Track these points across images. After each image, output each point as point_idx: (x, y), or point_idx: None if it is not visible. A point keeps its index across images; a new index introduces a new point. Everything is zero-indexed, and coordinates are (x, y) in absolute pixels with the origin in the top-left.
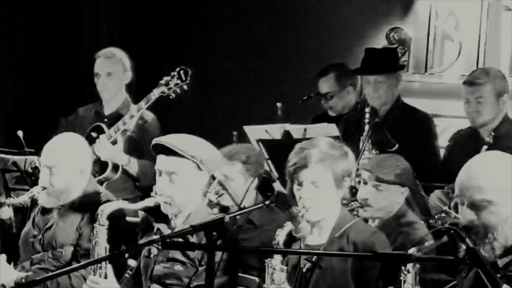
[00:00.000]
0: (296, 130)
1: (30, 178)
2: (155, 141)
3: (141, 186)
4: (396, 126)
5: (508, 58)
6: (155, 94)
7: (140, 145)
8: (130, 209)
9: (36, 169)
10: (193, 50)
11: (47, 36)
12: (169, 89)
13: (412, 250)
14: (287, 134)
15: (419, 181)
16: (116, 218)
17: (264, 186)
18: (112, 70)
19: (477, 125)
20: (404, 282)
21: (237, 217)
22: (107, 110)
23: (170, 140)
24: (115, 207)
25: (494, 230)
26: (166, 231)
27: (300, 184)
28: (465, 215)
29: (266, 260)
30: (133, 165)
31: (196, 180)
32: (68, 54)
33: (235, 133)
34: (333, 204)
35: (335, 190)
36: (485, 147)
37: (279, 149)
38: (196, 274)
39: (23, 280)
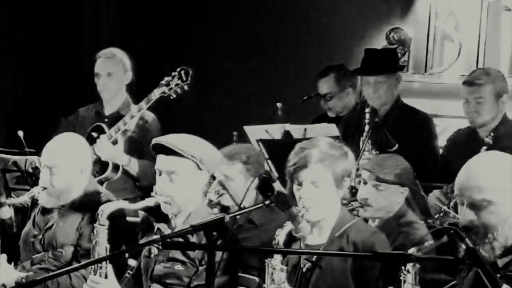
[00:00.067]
0: (296, 130)
1: (31, 178)
2: (155, 141)
3: (142, 186)
4: (396, 126)
5: (508, 58)
6: (156, 94)
7: (141, 145)
8: (131, 209)
9: (36, 169)
10: (193, 50)
11: (48, 36)
12: (169, 89)
13: (412, 250)
14: (287, 134)
15: (419, 181)
16: (117, 218)
17: (264, 186)
18: (113, 70)
19: (476, 125)
20: (404, 282)
21: (237, 217)
22: (108, 110)
23: (170, 140)
24: (116, 207)
25: (494, 230)
26: (166, 231)
27: (300, 184)
28: (465, 215)
29: (266, 260)
30: (133, 165)
31: (196, 180)
32: (68, 54)
33: (235, 133)
34: (333, 204)
35: (335, 190)
36: (484, 147)
37: (279, 149)
38: (197, 274)
39: (24, 280)
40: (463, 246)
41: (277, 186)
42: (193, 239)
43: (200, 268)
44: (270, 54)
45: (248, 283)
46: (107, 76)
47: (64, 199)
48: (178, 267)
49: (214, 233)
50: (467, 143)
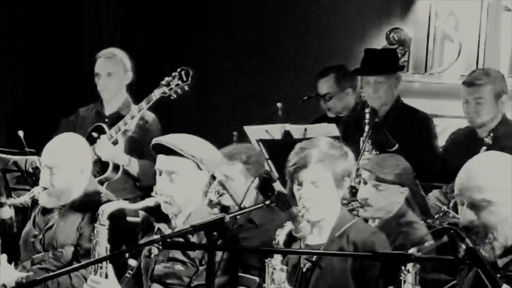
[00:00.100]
0: (296, 130)
1: (31, 178)
2: (155, 140)
3: (142, 186)
4: (396, 126)
5: (508, 58)
6: (156, 94)
7: (141, 145)
8: (131, 209)
9: (36, 169)
10: (193, 50)
11: (48, 36)
12: (170, 89)
13: (412, 250)
14: (287, 134)
15: (419, 181)
16: (117, 218)
17: (265, 186)
18: (113, 70)
19: (475, 125)
20: (404, 282)
21: (238, 217)
22: (108, 110)
23: (170, 139)
24: (116, 207)
25: (494, 230)
26: (166, 231)
27: (300, 184)
28: (465, 215)
29: (266, 260)
30: (133, 165)
31: (196, 179)
32: (68, 54)
33: (235, 133)
34: (333, 204)
35: (335, 190)
36: (484, 147)
37: (279, 149)
38: (197, 274)
39: (24, 280)
40: (463, 246)
41: (277, 186)
42: (193, 239)
43: (200, 268)
44: (270, 54)
45: (248, 283)
46: (107, 76)
47: (65, 199)
48: (179, 267)
49: (215, 233)
50: (466, 143)
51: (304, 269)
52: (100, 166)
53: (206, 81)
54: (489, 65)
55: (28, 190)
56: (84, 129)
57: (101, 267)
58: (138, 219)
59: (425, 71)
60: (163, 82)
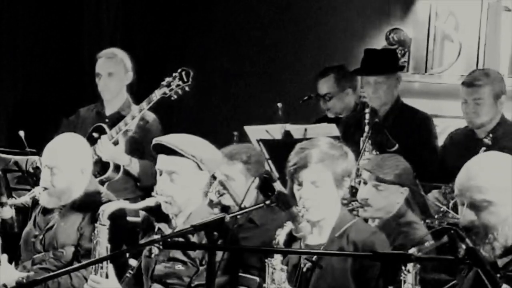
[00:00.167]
0: (296, 130)
1: (32, 178)
2: (155, 140)
3: (142, 186)
4: (396, 126)
5: (507, 59)
6: (156, 95)
7: (142, 146)
8: (131, 209)
9: (37, 169)
10: (193, 51)
11: (49, 36)
12: (170, 90)
13: (412, 250)
14: (287, 134)
15: (418, 181)
16: (117, 218)
17: (265, 186)
18: (113, 70)
19: (475, 126)
20: (404, 282)
21: (238, 216)
22: (108, 110)
23: (170, 139)
24: (116, 207)
25: (494, 230)
26: (167, 230)
27: (300, 184)
28: (465, 216)
29: (266, 260)
30: (134, 166)
31: (196, 179)
32: (69, 54)
33: (235, 133)
34: (333, 204)
35: (335, 190)
36: (483, 148)
37: (279, 149)
38: (197, 274)
39: (24, 280)
40: (463, 246)
41: (278, 186)
42: (193, 239)
43: (201, 268)
44: (270, 54)
45: (248, 283)
46: (108, 76)
47: (65, 199)
48: (179, 267)
49: (215, 233)
50: (465, 144)
51: (304, 269)
52: (101, 166)
53: (206, 81)
54: (489, 65)
55: (29, 190)
56: (85, 129)
57: (101, 267)
58: (138, 219)
59: (425, 71)
60: (164, 83)
